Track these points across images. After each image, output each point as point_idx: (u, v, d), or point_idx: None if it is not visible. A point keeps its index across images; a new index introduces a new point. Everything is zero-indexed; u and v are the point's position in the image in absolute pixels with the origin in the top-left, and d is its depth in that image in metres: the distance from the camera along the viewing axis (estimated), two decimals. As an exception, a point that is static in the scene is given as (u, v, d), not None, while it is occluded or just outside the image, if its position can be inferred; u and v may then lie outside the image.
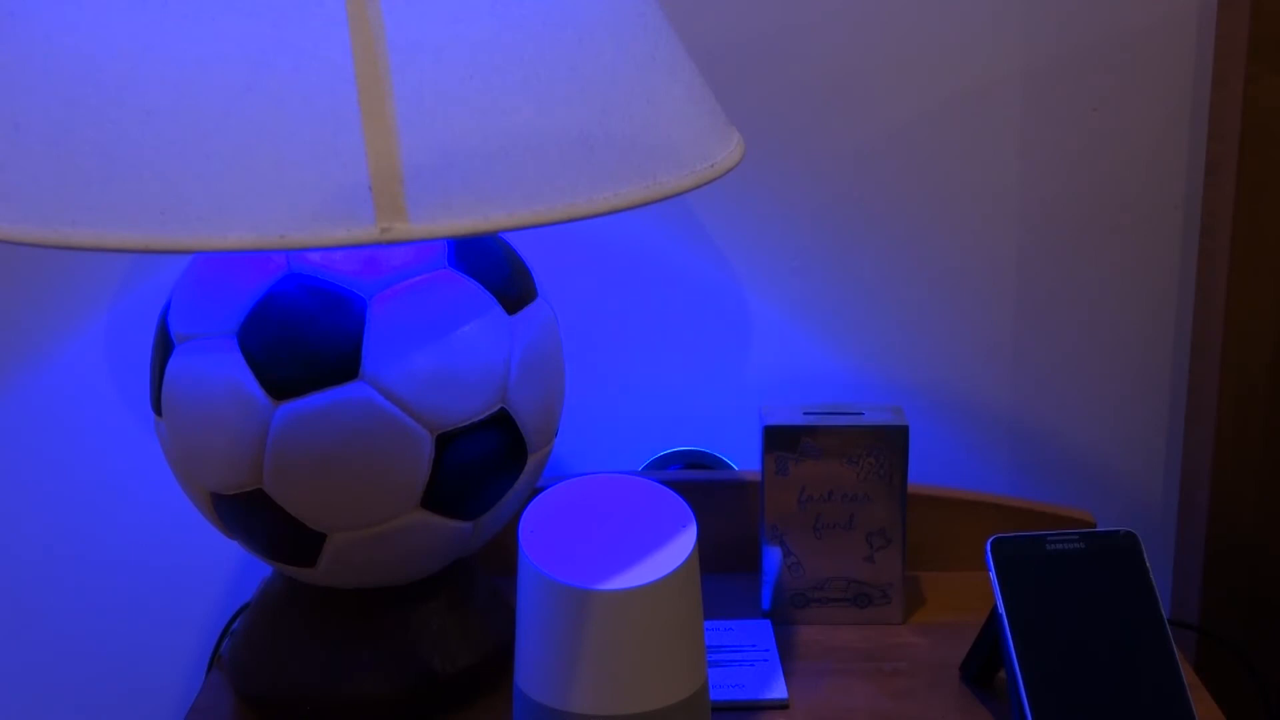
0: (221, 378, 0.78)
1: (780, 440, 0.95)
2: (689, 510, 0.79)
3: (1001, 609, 0.83)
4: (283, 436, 0.78)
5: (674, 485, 1.04)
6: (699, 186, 0.72)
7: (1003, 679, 0.91)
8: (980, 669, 0.91)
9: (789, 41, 1.03)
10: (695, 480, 1.05)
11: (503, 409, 0.82)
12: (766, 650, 0.94)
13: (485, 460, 0.82)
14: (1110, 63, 1.03)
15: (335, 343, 0.77)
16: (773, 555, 0.98)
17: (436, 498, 0.81)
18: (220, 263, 0.81)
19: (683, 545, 0.76)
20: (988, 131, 1.04)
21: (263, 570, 1.11)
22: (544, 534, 0.77)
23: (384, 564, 0.84)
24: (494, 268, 0.83)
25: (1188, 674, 0.88)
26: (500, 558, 1.02)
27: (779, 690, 0.90)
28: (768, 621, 0.98)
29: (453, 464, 0.80)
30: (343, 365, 0.77)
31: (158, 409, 0.84)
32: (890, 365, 1.09)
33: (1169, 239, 1.06)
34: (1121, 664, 0.81)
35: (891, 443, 0.95)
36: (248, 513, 0.81)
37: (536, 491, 0.98)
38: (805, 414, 0.96)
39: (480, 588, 0.92)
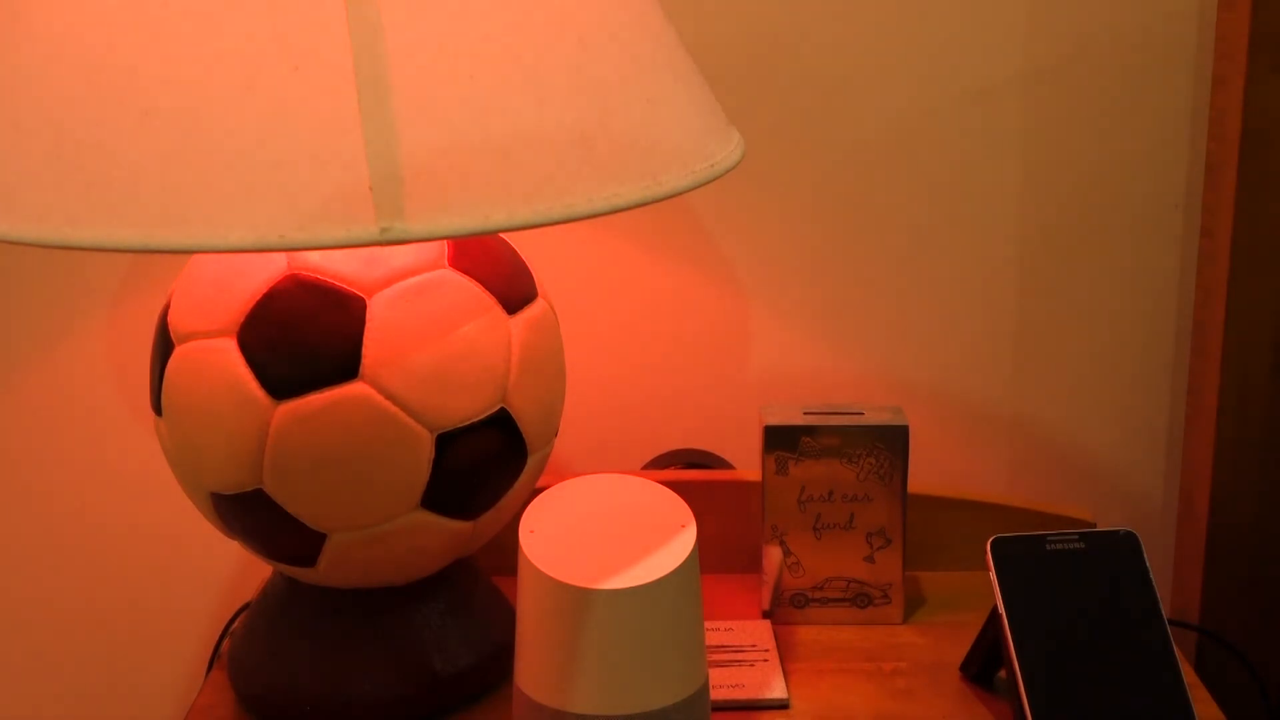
0: (221, 378, 0.78)
1: (780, 440, 0.95)
2: (689, 510, 0.79)
3: (1001, 609, 0.83)
4: (283, 436, 0.78)
5: (674, 485, 1.04)
6: (699, 186, 0.72)
7: (1003, 678, 0.91)
8: (980, 668, 0.91)
9: (788, 41, 1.03)
10: (695, 480, 1.05)
11: (503, 409, 0.82)
12: (766, 650, 0.94)
13: (485, 460, 0.82)
14: (1110, 63, 1.03)
15: (335, 343, 0.77)
16: (773, 555, 0.98)
17: (436, 498, 0.81)
18: (220, 263, 0.81)
19: (683, 545, 0.76)
20: (988, 131, 1.04)
21: (263, 570, 1.11)
22: (544, 534, 0.77)
23: (384, 564, 0.84)
24: (494, 268, 0.83)
25: (1188, 674, 0.88)
26: (500, 558, 1.02)
27: (779, 690, 0.90)
28: (768, 621, 0.98)
29: (453, 464, 0.80)
30: (343, 365, 0.77)
31: (158, 409, 0.84)
32: (890, 365, 1.09)
33: (1169, 239, 1.06)
34: (1121, 664, 0.81)
35: (891, 443, 0.95)
36: (248, 513, 0.81)
37: (537, 491, 0.98)
38: (805, 414, 0.96)
39: (480, 588, 0.92)
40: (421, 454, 0.79)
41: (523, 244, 1.04)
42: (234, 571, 1.13)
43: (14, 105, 0.65)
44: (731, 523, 1.05)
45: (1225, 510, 1.05)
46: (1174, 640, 0.83)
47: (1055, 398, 1.10)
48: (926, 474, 1.11)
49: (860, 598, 0.98)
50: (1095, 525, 1.05)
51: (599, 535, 0.77)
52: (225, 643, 0.97)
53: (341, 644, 0.87)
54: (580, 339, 1.09)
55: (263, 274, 0.79)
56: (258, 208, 0.61)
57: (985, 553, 0.85)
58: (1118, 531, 0.86)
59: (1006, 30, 1.02)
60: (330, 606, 0.87)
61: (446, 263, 0.81)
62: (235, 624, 0.99)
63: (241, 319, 0.79)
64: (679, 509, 0.79)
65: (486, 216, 0.63)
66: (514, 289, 0.84)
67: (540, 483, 1.01)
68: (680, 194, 0.70)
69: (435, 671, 0.87)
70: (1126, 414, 1.10)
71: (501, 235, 0.88)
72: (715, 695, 0.89)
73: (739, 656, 0.94)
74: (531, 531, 0.77)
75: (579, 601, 0.74)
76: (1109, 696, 0.81)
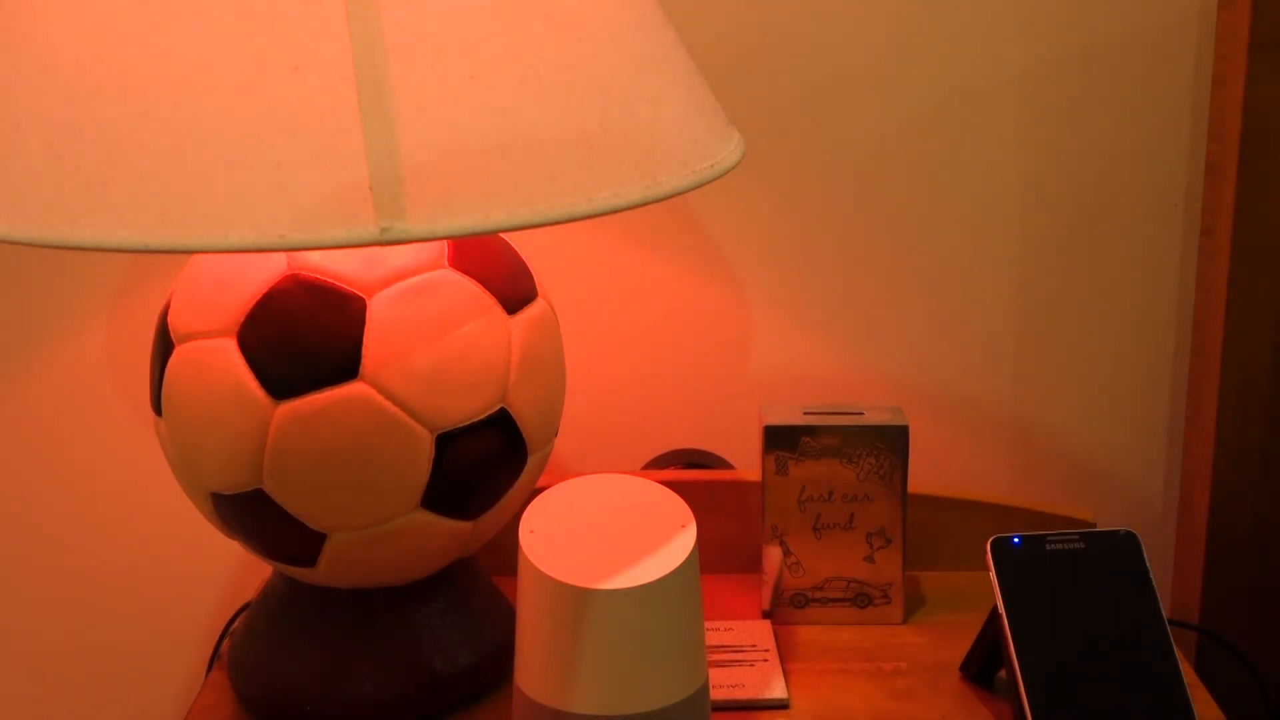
0: (221, 378, 0.78)
1: (780, 440, 0.95)
2: (689, 510, 0.79)
3: (1001, 609, 0.83)
4: (283, 436, 0.78)
5: (674, 485, 1.04)
6: (699, 186, 0.72)
7: (1003, 678, 0.91)
8: (980, 669, 0.91)
9: (789, 41, 1.03)
10: (695, 480, 1.05)
11: (503, 409, 0.82)
12: (766, 650, 0.94)
13: (485, 460, 0.82)
14: (1110, 63, 1.03)
15: (335, 343, 0.77)
16: (773, 555, 0.98)
17: (436, 498, 0.81)
18: (220, 263, 0.81)
19: (683, 545, 0.76)
20: (988, 131, 1.04)
21: (263, 570, 1.11)
22: (544, 534, 0.77)
23: (384, 564, 0.84)
24: (494, 268, 0.83)
25: (1188, 674, 0.88)
26: (500, 558, 1.02)
27: (779, 690, 0.90)
28: (768, 621, 0.98)
29: (453, 464, 0.80)
30: (343, 365, 0.77)
31: (158, 409, 0.84)
32: (890, 365, 1.09)
33: (1169, 239, 1.06)
34: (1121, 664, 0.81)
35: (891, 443, 0.95)
36: (248, 513, 0.81)
37: (537, 491, 0.98)
38: (805, 414, 0.96)
39: (480, 588, 0.92)
40: (421, 454, 0.79)
41: (523, 244, 1.04)
42: (234, 571, 1.13)
43: (14, 106, 0.65)
44: (731, 523, 1.05)
45: (1225, 510, 1.05)
46: (1174, 640, 0.83)
47: (1055, 398, 1.10)
48: (926, 474, 1.11)
49: (860, 598, 0.98)
50: (1095, 525, 1.05)
51: (599, 535, 0.77)
52: (225, 643, 0.97)
53: (341, 644, 0.87)
54: (580, 339, 1.09)
55: (263, 274, 0.79)
56: (258, 208, 0.61)
57: (985, 553, 0.85)
58: (1118, 531, 0.86)
59: (1006, 30, 1.02)
60: (330, 606, 0.87)
61: (446, 263, 0.81)
62: (235, 624, 0.99)
63: (241, 319, 0.79)
64: (679, 509, 0.79)
65: (486, 216, 0.63)
66: (514, 289, 0.84)
67: (540, 483, 1.01)
68: (680, 194, 0.70)
69: (435, 671, 0.87)
70: (1126, 414, 1.10)
71: (501, 235, 0.88)
72: (715, 695, 0.89)
73: (739, 656, 0.94)
74: (531, 531, 0.77)
75: (579, 601, 0.74)
76: (1109, 696, 0.81)
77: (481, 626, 0.90)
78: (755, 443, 1.11)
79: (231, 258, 0.81)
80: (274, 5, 0.63)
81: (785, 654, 0.95)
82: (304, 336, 0.77)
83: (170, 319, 0.83)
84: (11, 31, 0.67)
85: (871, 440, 0.95)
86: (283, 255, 0.80)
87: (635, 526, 0.78)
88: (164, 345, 0.82)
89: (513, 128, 0.65)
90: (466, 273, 0.82)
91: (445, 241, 0.82)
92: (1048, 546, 0.85)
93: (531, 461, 0.86)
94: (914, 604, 1.01)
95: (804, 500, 0.96)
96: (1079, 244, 1.07)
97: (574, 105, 0.67)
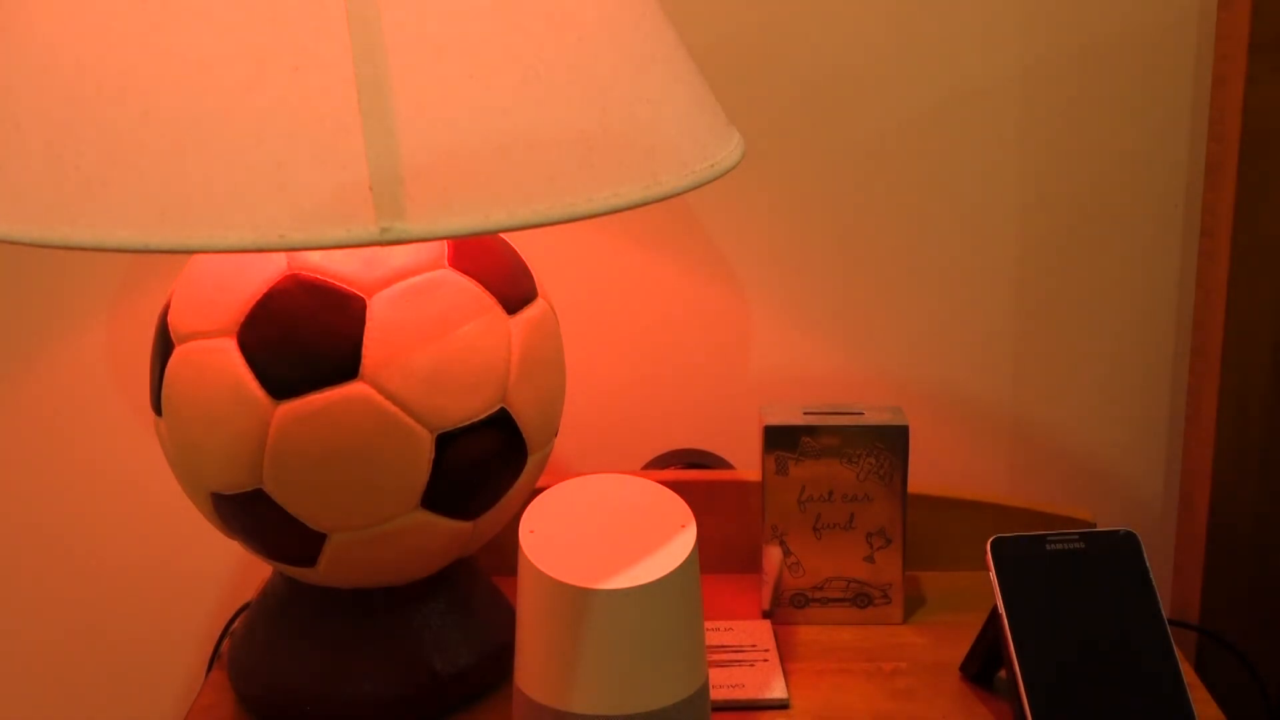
0: (221, 378, 0.78)
1: (780, 440, 0.95)
2: (689, 510, 0.79)
3: (1002, 609, 0.83)
4: (283, 436, 0.78)
5: (674, 485, 1.04)
6: (699, 186, 0.72)
7: (1003, 678, 0.91)
8: (980, 668, 0.91)
9: (789, 41, 1.03)
10: (695, 480, 1.05)
11: (503, 409, 0.82)
12: (766, 650, 0.94)
13: (485, 460, 0.82)
14: (1110, 63, 1.03)
15: (335, 343, 0.77)
16: (773, 555, 0.98)
17: (436, 498, 0.81)
18: (220, 263, 0.81)
19: (683, 545, 0.76)
20: (987, 131, 1.04)
21: (263, 570, 1.11)
22: (544, 534, 0.77)
23: (384, 564, 0.84)
24: (494, 268, 0.83)
25: (1188, 674, 0.88)
26: (500, 558, 1.02)
27: (779, 690, 0.90)
28: (768, 621, 0.98)
29: (453, 464, 0.80)
30: (343, 365, 0.77)
31: (158, 409, 0.84)
32: (890, 365, 1.09)
33: (1169, 239, 1.06)
34: (1121, 664, 0.81)
35: (891, 443, 0.95)
36: (248, 513, 0.81)
37: (537, 491, 0.98)
38: (805, 414, 0.96)
39: (480, 588, 0.92)
40: (421, 454, 0.79)
41: (523, 244, 1.04)
42: (234, 571, 1.13)
43: (14, 106, 0.65)
44: (731, 523, 1.05)
45: (1225, 510, 1.05)
46: (1174, 640, 0.83)
47: (1055, 398, 1.10)
48: (926, 474, 1.11)
49: (860, 598, 0.98)
50: (1095, 525, 1.05)
51: (599, 535, 0.77)
52: (225, 643, 0.97)
53: (341, 644, 0.87)
54: (580, 339, 1.09)
55: (263, 274, 0.79)
56: (258, 207, 0.61)
57: (985, 553, 0.85)
58: (1118, 531, 0.86)
59: (1006, 30, 1.02)
60: (330, 606, 0.87)
61: (446, 263, 0.81)
62: (235, 624, 0.99)
63: (241, 319, 0.79)
64: (679, 509, 0.79)
65: (486, 216, 0.63)
66: (514, 289, 0.84)
67: (540, 483, 1.01)
68: (680, 194, 0.70)
69: (435, 671, 0.87)
70: (1126, 414, 1.10)
71: (501, 235, 0.88)
72: (715, 695, 0.89)
73: (739, 656, 0.94)
74: (531, 531, 0.77)
75: (579, 601, 0.74)
76: (1109, 696, 0.81)
77: (481, 626, 0.90)
78: (755, 443, 1.11)
79: (231, 258, 0.81)
80: (274, 5, 0.63)
81: (785, 654, 0.95)
82: (304, 336, 0.77)
83: (170, 319, 0.83)
84: (11, 31, 0.67)
85: (871, 440, 0.95)
86: (283, 255, 0.80)
87: (635, 526, 0.78)
88: (164, 345, 0.82)
89: (513, 128, 0.65)
90: (466, 273, 0.82)
91: (445, 241, 0.82)
92: (1048, 546, 0.85)
93: (531, 461, 0.86)
94: (914, 604, 1.01)
95: (804, 500, 0.96)
96: (1079, 244, 1.07)
97: (574, 105, 0.67)
